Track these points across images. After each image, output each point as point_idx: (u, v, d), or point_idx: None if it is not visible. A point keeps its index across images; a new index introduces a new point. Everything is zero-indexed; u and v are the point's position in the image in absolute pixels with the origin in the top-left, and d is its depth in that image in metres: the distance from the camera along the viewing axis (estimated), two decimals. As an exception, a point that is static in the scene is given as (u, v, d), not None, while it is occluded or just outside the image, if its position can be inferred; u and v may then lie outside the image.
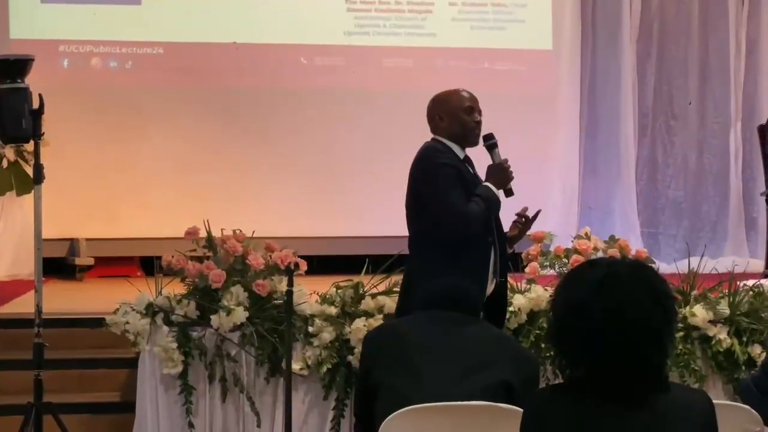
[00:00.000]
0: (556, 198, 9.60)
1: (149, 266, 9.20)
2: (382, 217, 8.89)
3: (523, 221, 5.25)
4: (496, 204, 5.07)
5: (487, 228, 5.04)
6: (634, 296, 2.78)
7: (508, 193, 5.19)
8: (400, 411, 3.74)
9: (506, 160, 5.20)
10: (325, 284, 6.07)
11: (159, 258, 8.96)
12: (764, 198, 9.37)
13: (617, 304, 2.77)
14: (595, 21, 10.18)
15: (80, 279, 8.97)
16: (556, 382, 2.96)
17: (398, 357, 4.05)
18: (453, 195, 4.97)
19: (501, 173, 5.15)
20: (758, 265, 9.04)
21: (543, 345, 5.74)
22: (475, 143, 5.20)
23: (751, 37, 10.30)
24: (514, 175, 5.20)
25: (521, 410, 3.75)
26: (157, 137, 9.23)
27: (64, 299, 7.36)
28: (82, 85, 9.22)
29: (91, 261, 9.07)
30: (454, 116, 5.14)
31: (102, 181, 9.10)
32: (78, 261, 9.02)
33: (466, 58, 9.70)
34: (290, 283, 5.31)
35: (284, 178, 9.34)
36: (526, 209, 5.27)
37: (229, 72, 9.43)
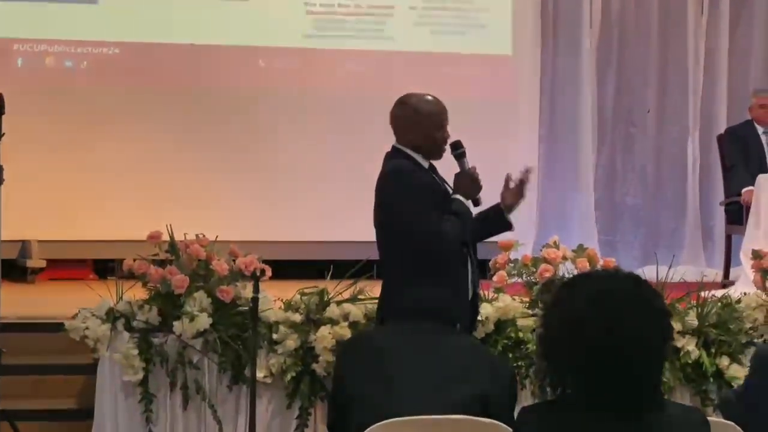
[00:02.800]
0: (514, 205, 9.54)
1: (102, 269, 9.17)
2: (343, 221, 8.86)
3: (518, 184, 5.14)
4: (469, 217, 4.99)
5: (463, 242, 4.96)
6: (632, 312, 2.71)
7: (476, 202, 5.12)
8: (377, 425, 3.65)
9: (474, 168, 5.11)
10: (289, 289, 5.98)
11: (113, 261, 9.00)
12: (722, 207, 9.39)
13: (614, 319, 2.70)
14: (555, 27, 10.16)
15: (31, 281, 8.81)
16: (548, 398, 2.87)
17: (373, 368, 3.96)
18: (427, 217, 4.85)
19: (471, 183, 5.06)
20: (711, 274, 9.01)
21: (510, 355, 5.69)
22: (439, 158, 5.08)
23: (709, 46, 10.30)
24: (482, 183, 5.12)
25: (499, 424, 3.74)
26: (112, 138, 9.07)
27: (17, 302, 7.19)
28: (36, 84, 9.04)
29: (43, 263, 8.91)
30: (425, 131, 4.98)
31: (55, 183, 8.93)
32: (30, 263, 8.86)
33: (426, 63, 9.63)
34: (256, 290, 5.22)
35: (242, 182, 9.22)
36: (510, 176, 5.16)
37: (187, 73, 9.30)
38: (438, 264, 4.85)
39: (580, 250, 6.02)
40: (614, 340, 2.69)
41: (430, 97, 5.09)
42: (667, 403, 2.82)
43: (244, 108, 9.32)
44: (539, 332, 2.91)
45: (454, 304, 4.47)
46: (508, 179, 5.15)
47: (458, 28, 9.84)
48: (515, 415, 2.94)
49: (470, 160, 5.15)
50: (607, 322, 2.70)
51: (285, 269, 6.51)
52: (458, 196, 4.98)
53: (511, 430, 3.73)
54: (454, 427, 3.70)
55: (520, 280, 6.01)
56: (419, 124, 4.98)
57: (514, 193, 5.17)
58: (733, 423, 3.46)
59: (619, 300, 2.73)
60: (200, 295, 5.64)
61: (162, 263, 5.76)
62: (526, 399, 5.50)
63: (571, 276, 3.04)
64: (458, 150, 5.09)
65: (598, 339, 2.70)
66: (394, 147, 5.05)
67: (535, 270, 5.93)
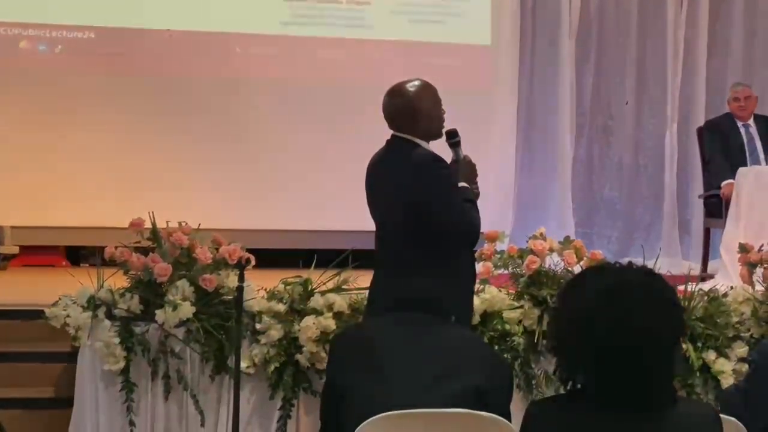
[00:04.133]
0: (492, 195, 9.47)
1: (74, 256, 9.08)
2: (327, 210, 8.82)
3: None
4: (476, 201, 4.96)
5: None
6: (644, 306, 2.66)
7: (476, 192, 5.06)
8: (372, 419, 3.59)
9: (467, 156, 5.06)
10: (272, 279, 5.90)
11: (85, 248, 8.91)
12: (700, 200, 9.38)
13: (627, 314, 2.65)
14: (534, 18, 10.13)
15: (4, 268, 8.70)
16: (560, 392, 2.82)
17: (367, 361, 3.89)
18: (464, 207, 4.82)
19: (471, 171, 5.01)
20: (685, 267, 8.98)
21: (497, 347, 5.63)
22: (439, 137, 5.03)
23: (688, 38, 10.30)
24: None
25: (496, 417, 3.69)
26: (87, 124, 8.99)
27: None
28: (9, 68, 8.95)
29: (16, 249, 8.81)
30: (433, 114, 4.92)
31: (29, 168, 8.84)
32: (2, 249, 8.76)
33: (404, 52, 9.57)
34: (241, 279, 5.13)
35: (221, 170, 9.15)
36: None
37: (162, 59, 9.21)
38: (453, 254, 4.82)
39: (567, 242, 5.96)
40: (625, 336, 2.64)
41: (428, 84, 5.00)
42: (680, 399, 2.77)
43: (221, 95, 9.25)
44: (550, 327, 2.86)
45: (452, 295, 4.40)
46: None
47: (437, 17, 9.79)
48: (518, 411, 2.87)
49: (447, 151, 5.09)
50: (619, 317, 2.65)
51: (268, 258, 6.42)
52: (464, 184, 4.91)
53: (509, 423, 3.70)
54: (453, 421, 3.64)
55: (506, 271, 5.95)
56: (427, 108, 4.91)
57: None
58: (734, 418, 3.41)
59: (630, 294, 2.68)
60: (183, 284, 5.55)
61: (144, 251, 5.66)
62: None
63: (583, 269, 2.97)
64: (454, 138, 5.02)
65: (609, 334, 2.65)
66: (403, 137, 4.93)
67: (521, 262, 5.86)
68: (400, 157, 4.87)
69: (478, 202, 5.01)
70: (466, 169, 4.98)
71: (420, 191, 4.76)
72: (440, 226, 4.76)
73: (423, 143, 4.91)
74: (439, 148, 5.01)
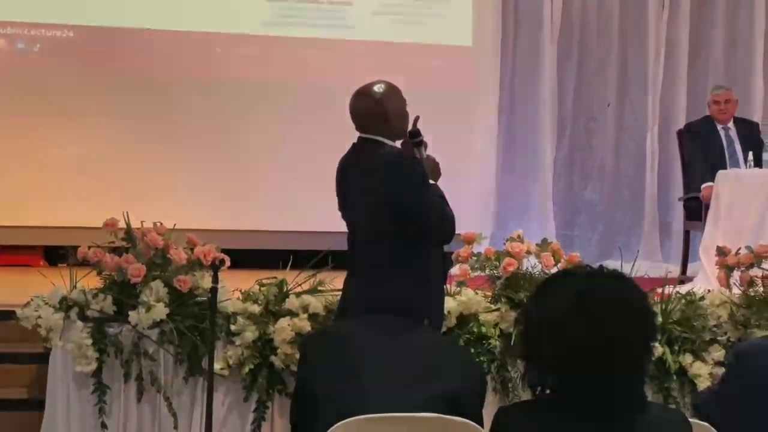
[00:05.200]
0: (471, 197, 9.46)
1: (52, 256, 9.02)
2: (303, 211, 8.78)
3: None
4: None
5: None
6: (615, 311, 2.63)
7: None
8: (343, 422, 3.55)
9: (430, 156, 5.05)
10: (247, 280, 5.86)
11: (63, 248, 8.84)
12: (680, 203, 9.37)
13: (597, 319, 2.62)
14: (516, 19, 10.12)
15: (-20, 268, 8.66)
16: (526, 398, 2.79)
17: (340, 364, 3.84)
18: (439, 202, 4.84)
19: (436, 171, 5.01)
20: (664, 269, 8.96)
21: (473, 350, 5.59)
22: (404, 137, 5.01)
23: (669, 41, 10.30)
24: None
25: (469, 422, 3.65)
26: (65, 123, 8.94)
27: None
28: (-13, 67, 8.91)
29: (-7, 249, 8.78)
30: (403, 115, 4.94)
31: (7, 168, 8.78)
32: (-21, 249, 8.72)
33: (385, 52, 9.54)
34: (215, 280, 5.08)
35: (199, 170, 9.11)
36: None
37: (143, 59, 9.16)
38: (431, 253, 4.83)
39: (545, 244, 5.93)
40: (595, 341, 2.61)
41: (393, 85, 5.01)
42: (650, 404, 2.74)
43: (201, 95, 9.21)
44: (520, 330, 2.83)
45: (425, 297, 4.37)
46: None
47: (418, 18, 9.76)
48: (493, 414, 2.83)
49: (429, 151, 5.09)
50: (589, 322, 2.62)
51: (243, 259, 6.38)
52: (432, 182, 4.92)
53: (480, 428, 3.66)
54: (425, 426, 3.60)
55: (483, 273, 5.91)
56: (397, 109, 4.93)
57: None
58: (707, 423, 3.38)
59: (601, 299, 2.65)
60: (157, 285, 5.51)
61: (118, 251, 5.61)
62: (487, 395, 5.40)
63: (554, 272, 2.94)
64: (417, 138, 5.00)
65: (579, 339, 2.61)
66: (371, 138, 4.94)
67: (498, 264, 5.83)
68: (372, 157, 4.87)
69: (458, 203, 5.00)
70: (432, 169, 4.96)
71: (395, 188, 4.76)
72: (417, 223, 4.77)
73: (390, 143, 4.91)
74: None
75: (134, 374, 5.51)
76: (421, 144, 5.01)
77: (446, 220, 4.86)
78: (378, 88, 4.97)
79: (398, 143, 4.99)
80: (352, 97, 5.02)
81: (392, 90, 4.98)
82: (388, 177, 4.79)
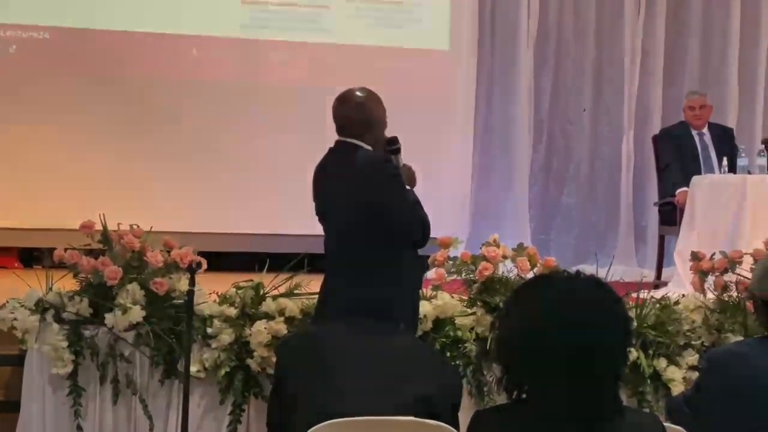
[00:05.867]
0: (448, 201, 9.48)
1: (27, 258, 8.99)
2: (279, 213, 8.78)
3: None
4: None
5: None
6: (592, 317, 2.64)
7: None
8: (321, 425, 3.56)
9: (406, 164, 5.10)
10: (223, 282, 5.86)
11: (39, 250, 8.82)
12: (656, 208, 9.41)
13: (574, 324, 2.63)
14: (493, 24, 10.15)
15: (-44, 269, 8.63)
16: (502, 402, 2.80)
17: (317, 367, 3.86)
18: (416, 206, 4.91)
19: (411, 178, 5.08)
20: (639, 274, 9.01)
21: (449, 354, 5.61)
22: (382, 144, 5.07)
23: (645, 46, 10.34)
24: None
25: (445, 426, 3.66)
26: (41, 125, 8.91)
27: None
28: (-37, 68, 8.88)
29: (-32, 250, 8.74)
30: (383, 123, 5.04)
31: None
32: (-45, 250, 8.69)
33: (362, 56, 9.56)
34: (192, 283, 5.09)
35: (176, 172, 9.10)
36: None
37: (119, 60, 9.14)
38: (405, 256, 4.87)
39: (521, 249, 5.95)
40: (572, 346, 2.62)
41: (374, 92, 5.09)
42: (626, 409, 2.76)
43: (178, 97, 9.20)
44: (496, 335, 2.84)
45: (401, 301, 4.40)
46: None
47: (395, 22, 9.78)
48: (469, 418, 2.85)
49: (406, 155, 5.14)
50: (565, 328, 2.62)
51: (220, 261, 6.39)
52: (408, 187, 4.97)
53: (455, 431, 3.68)
54: (401, 429, 3.62)
55: (459, 277, 5.93)
56: (380, 117, 5.02)
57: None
58: (680, 428, 3.41)
59: (579, 305, 2.66)
60: (133, 287, 5.49)
61: (94, 253, 5.61)
62: (463, 398, 5.41)
63: (531, 278, 2.96)
64: (395, 146, 5.06)
65: (556, 345, 2.62)
66: (350, 142, 4.99)
67: (474, 268, 5.84)
68: (351, 159, 4.92)
69: (434, 206, 5.04)
70: (407, 176, 5.01)
71: (374, 189, 4.83)
72: (394, 224, 4.83)
73: (368, 147, 4.95)
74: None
75: (110, 377, 5.49)
76: (398, 152, 5.06)
77: (423, 223, 4.92)
78: (363, 94, 5.05)
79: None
80: (336, 101, 5.07)
81: (375, 97, 5.07)
82: (367, 178, 4.86)
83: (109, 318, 5.44)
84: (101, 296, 5.52)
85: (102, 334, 5.49)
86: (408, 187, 4.98)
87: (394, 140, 5.06)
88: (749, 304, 4.87)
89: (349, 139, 4.98)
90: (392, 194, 4.85)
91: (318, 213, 5.10)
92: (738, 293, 5.97)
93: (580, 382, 2.62)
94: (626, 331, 2.72)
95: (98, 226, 5.64)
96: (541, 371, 2.64)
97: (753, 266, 5.52)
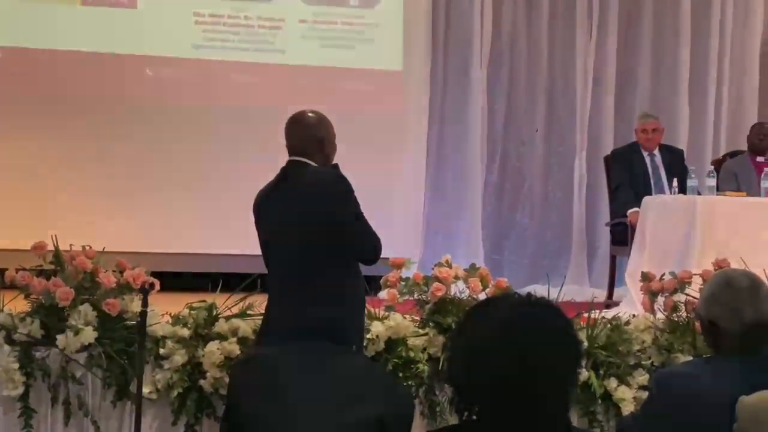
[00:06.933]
0: (400, 221, 9.50)
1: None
2: (232, 233, 8.75)
3: None
4: None
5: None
6: (541, 340, 2.67)
7: None
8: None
9: None
10: (176, 303, 5.85)
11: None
12: (607, 228, 9.47)
13: (523, 347, 2.64)
14: (446, 44, 10.20)
15: None
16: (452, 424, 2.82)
17: (268, 389, 3.85)
18: (368, 223, 4.96)
19: None
20: (591, 294, 9.05)
21: (401, 374, 5.63)
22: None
23: (597, 67, 10.43)
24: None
25: (396, 446, 3.68)
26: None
27: None
28: None
29: None
30: (333, 142, 5.12)
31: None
32: None
33: (315, 76, 9.59)
34: (144, 304, 5.09)
35: (128, 192, 9.09)
36: None
37: (72, 80, 9.13)
38: (356, 275, 4.92)
39: (473, 269, 5.98)
40: (521, 369, 2.63)
41: (326, 117, 5.14)
42: (575, 430, 2.78)
43: (130, 118, 9.19)
44: (446, 356, 2.86)
45: (350, 321, 4.42)
46: None
47: (348, 42, 9.82)
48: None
49: (357, 176, 5.15)
50: (517, 350, 2.64)
51: (173, 282, 6.37)
52: None
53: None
54: (352, 450, 3.63)
55: (411, 298, 5.95)
56: (331, 138, 5.09)
57: None
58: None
59: (527, 327, 2.67)
60: (86, 308, 5.48)
61: (46, 274, 5.59)
62: (415, 419, 5.43)
63: (482, 299, 2.98)
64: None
65: (505, 367, 2.64)
66: (301, 161, 5.02)
67: (427, 289, 5.87)
68: (303, 178, 4.98)
69: (386, 227, 5.08)
70: None
71: (328, 207, 4.88)
72: (348, 243, 4.88)
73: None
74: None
75: (62, 398, 5.47)
76: None
77: (376, 240, 4.96)
78: (314, 115, 5.12)
79: None
80: (288, 122, 5.12)
81: (326, 119, 5.13)
82: (320, 195, 4.90)
83: (60, 339, 5.42)
84: (53, 317, 5.50)
85: (53, 355, 5.46)
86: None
87: (334, 167, 5.12)
88: (697, 325, 4.91)
89: (301, 159, 5.02)
90: (345, 211, 4.89)
91: (263, 233, 5.12)
92: (687, 313, 6.03)
93: (527, 405, 2.64)
94: (575, 354, 2.74)
95: (50, 247, 5.63)
96: (490, 393, 2.66)
97: (701, 287, 5.57)
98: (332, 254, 4.85)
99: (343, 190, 4.93)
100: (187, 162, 9.24)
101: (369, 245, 4.96)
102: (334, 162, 5.11)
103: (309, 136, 5.05)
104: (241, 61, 9.55)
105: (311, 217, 4.88)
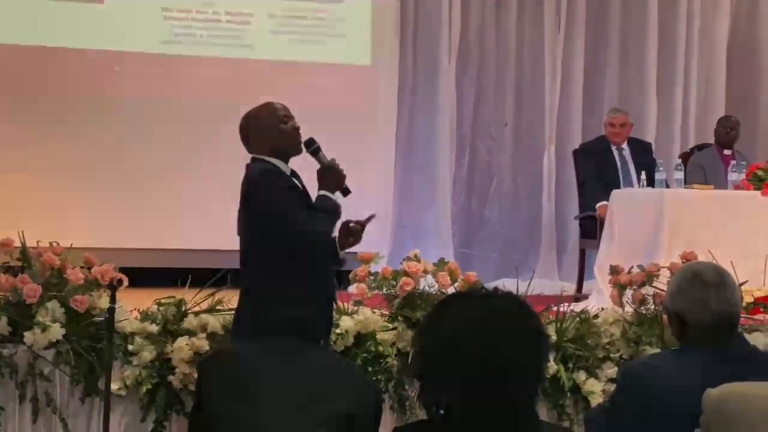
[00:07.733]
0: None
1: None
2: (201, 229, 8.76)
3: (359, 226, 5.08)
4: (336, 210, 4.96)
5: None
6: (507, 335, 2.67)
7: (345, 192, 5.06)
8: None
9: (334, 160, 5.07)
10: (145, 299, 5.83)
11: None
12: (577, 221, 9.50)
13: (491, 341, 2.65)
14: (415, 39, 10.21)
15: None
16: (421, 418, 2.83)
17: (237, 386, 3.84)
18: (300, 216, 4.83)
19: (334, 175, 5.01)
20: (561, 287, 9.08)
21: (370, 369, 5.63)
22: (299, 151, 5.04)
23: (566, 60, 10.46)
24: (345, 172, 5.06)
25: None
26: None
27: None
28: None
29: None
30: (272, 129, 4.97)
31: None
32: None
33: (284, 71, 9.58)
34: (113, 300, 5.07)
35: (97, 188, 9.06)
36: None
37: (39, 76, 9.08)
38: (306, 269, 4.82)
39: (441, 263, 5.98)
40: (489, 363, 2.64)
41: (268, 103, 5.09)
42: (542, 423, 2.79)
43: (100, 113, 9.15)
44: (414, 350, 2.86)
45: (318, 316, 4.40)
46: (346, 224, 5.05)
47: (317, 37, 9.81)
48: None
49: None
50: (484, 345, 2.65)
51: (141, 277, 6.35)
52: (324, 192, 4.94)
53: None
54: (321, 446, 3.62)
55: (380, 292, 5.95)
56: (264, 125, 4.98)
57: (357, 235, 5.07)
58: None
59: (495, 322, 2.69)
60: (53, 305, 5.46)
61: (13, 271, 5.56)
62: (384, 413, 5.43)
63: (449, 294, 2.98)
64: (312, 146, 5.06)
65: (473, 362, 2.65)
66: (253, 158, 5.03)
67: (395, 283, 5.87)
68: (248, 172, 4.97)
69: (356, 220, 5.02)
70: (325, 174, 5.01)
71: (248, 201, 4.89)
72: (291, 238, 4.81)
73: (275, 161, 4.96)
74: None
75: (29, 395, 5.44)
76: (318, 151, 5.05)
77: (305, 234, 4.86)
78: (250, 109, 5.09)
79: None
80: None
81: (262, 108, 5.06)
82: (249, 190, 4.90)
83: (28, 336, 5.39)
84: (20, 314, 5.47)
85: (21, 352, 5.43)
86: (324, 193, 4.96)
87: (310, 142, 5.05)
88: (665, 317, 4.93)
89: (255, 155, 5.03)
90: (273, 206, 4.83)
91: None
92: (655, 306, 6.05)
93: (494, 399, 2.65)
94: (542, 348, 2.75)
95: (17, 243, 5.60)
96: (457, 387, 2.67)
97: (669, 279, 5.59)
98: (281, 250, 4.81)
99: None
100: (156, 158, 9.21)
101: (306, 238, 4.87)
102: (308, 138, 5.04)
103: (241, 131, 5.07)
104: (209, 57, 9.52)
105: (252, 215, 4.92)
